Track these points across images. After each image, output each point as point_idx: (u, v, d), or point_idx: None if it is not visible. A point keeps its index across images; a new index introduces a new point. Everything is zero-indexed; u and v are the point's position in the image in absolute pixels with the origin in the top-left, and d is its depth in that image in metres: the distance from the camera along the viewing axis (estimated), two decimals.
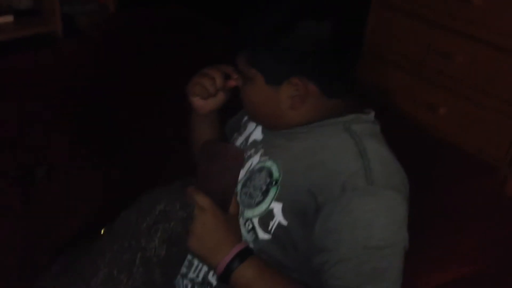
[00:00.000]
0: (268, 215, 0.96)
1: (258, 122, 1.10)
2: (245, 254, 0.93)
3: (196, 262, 1.04)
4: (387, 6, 2.19)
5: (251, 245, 0.97)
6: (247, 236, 0.99)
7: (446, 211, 1.27)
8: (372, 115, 1.04)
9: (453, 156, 1.58)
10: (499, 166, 1.92)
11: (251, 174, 1.02)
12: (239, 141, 1.15)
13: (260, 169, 1.01)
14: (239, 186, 1.03)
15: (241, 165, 1.01)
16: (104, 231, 1.15)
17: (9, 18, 2.30)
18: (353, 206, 0.88)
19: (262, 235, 0.97)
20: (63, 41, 2.38)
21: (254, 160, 1.05)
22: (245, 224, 1.00)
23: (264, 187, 0.98)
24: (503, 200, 1.47)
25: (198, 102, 1.13)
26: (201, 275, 1.04)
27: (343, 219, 0.88)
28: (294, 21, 0.94)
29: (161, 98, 1.97)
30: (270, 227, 0.96)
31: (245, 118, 1.20)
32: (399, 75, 2.21)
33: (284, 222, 0.95)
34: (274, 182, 0.97)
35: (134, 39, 2.30)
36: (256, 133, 1.11)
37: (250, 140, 1.11)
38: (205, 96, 1.11)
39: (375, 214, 0.88)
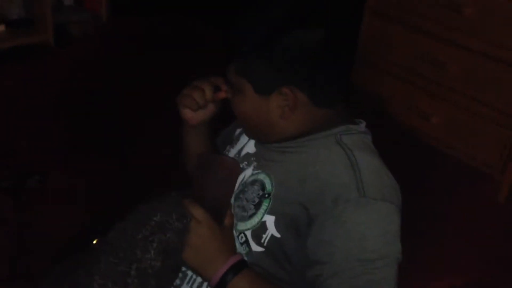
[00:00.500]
0: (261, 228, 0.96)
1: (250, 135, 1.10)
2: (239, 266, 0.92)
3: (190, 273, 1.04)
4: (380, 15, 2.21)
5: (245, 258, 0.97)
6: (240, 249, 0.99)
7: (440, 219, 1.28)
8: (363, 125, 1.05)
9: (447, 164, 1.59)
10: (492, 174, 1.93)
11: (244, 187, 1.02)
12: (232, 154, 1.15)
13: (253, 182, 1.01)
14: (232, 199, 1.02)
15: (237, 177, 1.02)
16: (97, 241, 1.15)
17: (0, 28, 2.29)
18: (345, 219, 0.88)
19: (255, 247, 0.97)
20: (56, 50, 2.38)
21: (247, 173, 1.05)
22: (238, 236, 1.00)
23: (256, 200, 0.98)
24: (496, 208, 1.48)
25: (188, 113, 1.13)
26: (195, 287, 1.04)
27: (336, 232, 0.88)
28: (283, 31, 0.94)
29: (157, 106, 1.98)
30: (263, 240, 0.96)
31: (238, 130, 1.20)
32: (392, 84, 2.22)
33: (277, 235, 0.95)
34: (266, 195, 0.98)
35: (128, 45, 2.31)
36: (249, 146, 1.11)
37: (243, 152, 1.11)
38: (194, 108, 1.11)
39: (368, 226, 0.88)
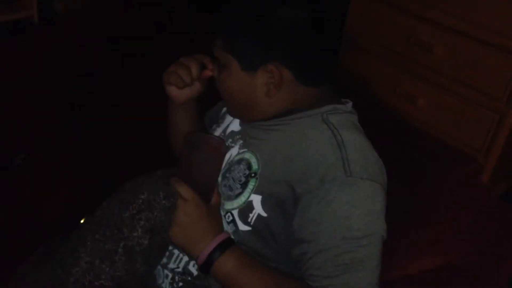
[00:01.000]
0: (248, 207, 0.97)
1: (234, 113, 1.09)
2: (226, 244, 0.93)
3: (176, 252, 1.05)
4: None
5: (232, 237, 0.98)
6: (227, 228, 1.00)
7: (423, 200, 1.29)
8: (349, 105, 1.05)
9: (431, 146, 1.61)
10: (476, 157, 1.95)
11: (230, 166, 1.03)
12: (218, 132, 1.15)
13: (239, 161, 1.02)
14: (219, 178, 1.03)
15: (223, 156, 1.02)
16: (84, 220, 1.14)
17: None
18: (331, 197, 0.89)
19: (242, 227, 0.98)
20: (40, 27, 2.34)
21: (233, 152, 1.05)
22: (225, 216, 1.00)
23: (243, 179, 0.99)
24: (478, 190, 1.50)
25: (174, 91, 1.13)
26: (181, 265, 1.05)
27: (322, 210, 0.89)
28: (270, 7, 0.94)
29: (141, 85, 1.96)
30: (249, 219, 0.97)
31: (224, 109, 1.20)
32: (379, 66, 2.22)
33: (264, 214, 0.96)
34: (253, 174, 0.98)
35: (113, 23, 2.28)
36: (234, 124, 1.12)
37: (228, 131, 1.12)
38: (180, 86, 1.10)
39: (353, 205, 0.89)
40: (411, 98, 2.13)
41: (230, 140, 1.08)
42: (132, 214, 0.93)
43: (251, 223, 0.97)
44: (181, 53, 1.13)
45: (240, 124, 1.10)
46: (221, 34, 0.99)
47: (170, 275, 1.05)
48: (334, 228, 0.88)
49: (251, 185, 0.97)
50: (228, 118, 1.15)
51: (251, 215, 0.97)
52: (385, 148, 1.03)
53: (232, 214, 0.99)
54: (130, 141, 1.68)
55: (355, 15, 2.23)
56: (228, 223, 1.00)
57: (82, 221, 1.17)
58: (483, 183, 1.81)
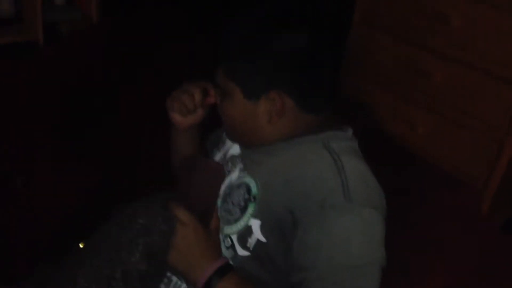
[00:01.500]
0: (247, 232, 0.97)
1: (235, 139, 1.10)
2: (225, 270, 0.93)
3: (175, 278, 1.04)
4: (369, 23, 2.22)
5: (230, 262, 0.97)
6: (226, 253, 0.99)
7: (421, 228, 1.29)
8: (350, 132, 1.06)
9: (430, 174, 1.60)
10: (476, 185, 1.95)
11: (230, 190, 1.03)
12: (218, 156, 1.16)
13: (239, 185, 1.02)
14: (219, 202, 1.03)
15: (222, 180, 1.02)
16: (83, 245, 1.14)
17: None
18: (331, 224, 0.89)
19: (241, 251, 0.98)
20: (45, 49, 2.37)
21: (234, 176, 1.05)
22: (224, 240, 1.00)
23: (242, 204, 0.99)
24: (477, 219, 1.50)
25: (177, 117, 1.14)
26: None
27: (321, 237, 0.89)
28: (271, 33, 0.95)
29: (143, 106, 1.97)
30: (248, 244, 0.97)
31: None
32: (379, 93, 2.24)
33: (263, 239, 0.95)
34: (252, 198, 0.98)
35: (118, 45, 2.30)
36: (234, 148, 1.12)
37: (229, 154, 1.12)
38: (184, 112, 1.11)
39: (353, 232, 0.89)
40: (411, 125, 2.14)
41: (231, 164, 1.08)
42: (130, 239, 0.93)
43: (250, 248, 0.96)
44: (181, 73, 1.14)
45: (240, 148, 1.10)
46: (223, 62, 0.99)
47: None
48: (333, 255, 0.88)
49: (251, 209, 0.97)
50: (229, 142, 1.15)
51: (250, 240, 0.96)
52: (384, 176, 1.03)
53: (231, 239, 0.99)
54: (132, 165, 1.68)
55: (356, 42, 2.26)
56: (227, 248, 0.99)
57: (81, 246, 1.16)
58: (482, 212, 1.80)
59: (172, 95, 1.12)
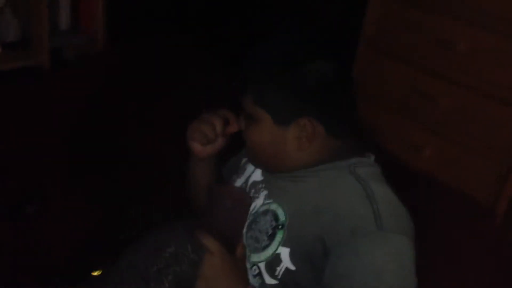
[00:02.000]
0: (275, 260, 0.96)
1: (259, 165, 1.09)
2: None
3: None
4: (374, 48, 2.25)
5: None
6: (253, 281, 0.99)
7: (448, 254, 1.29)
8: (372, 158, 1.07)
9: (438, 198, 1.61)
10: (483, 208, 1.96)
11: (256, 217, 1.02)
12: (239, 183, 1.15)
13: (265, 212, 1.01)
14: (244, 229, 1.03)
15: (248, 208, 1.02)
16: (98, 273, 1.13)
17: None
18: (363, 251, 0.89)
19: (269, 280, 0.97)
20: (51, 74, 2.37)
21: (258, 203, 1.05)
22: (251, 268, 1.00)
23: (270, 231, 0.98)
24: (487, 241, 1.50)
25: (197, 147, 1.13)
26: None
27: (353, 264, 0.89)
28: (301, 60, 0.96)
29: (154, 131, 1.98)
30: (277, 272, 0.96)
31: (244, 160, 1.20)
32: (385, 117, 2.25)
33: (292, 267, 0.95)
34: (280, 226, 0.98)
35: (125, 70, 2.32)
36: (255, 174, 1.12)
37: (250, 181, 1.12)
38: (204, 143, 1.11)
39: (386, 260, 0.89)
40: (418, 149, 2.15)
41: (253, 190, 1.08)
42: (159, 268, 0.92)
43: (279, 277, 0.96)
44: (196, 102, 1.14)
45: (263, 174, 1.10)
46: (252, 89, 1.00)
47: None
48: (366, 283, 0.88)
49: (279, 237, 0.97)
50: (249, 168, 1.15)
51: (278, 268, 0.96)
52: (403, 200, 1.03)
53: (258, 267, 0.98)
54: (144, 188, 1.68)
55: (362, 66, 2.28)
56: (254, 276, 0.99)
57: (97, 274, 1.15)
58: (491, 235, 1.80)
59: (193, 125, 1.11)
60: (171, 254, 0.93)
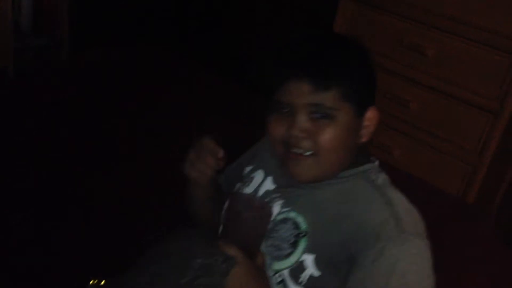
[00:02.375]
0: (299, 267, 0.98)
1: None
2: None
3: None
4: None
5: None
6: None
7: (445, 256, 1.34)
8: (377, 163, 1.11)
9: (439, 199, 1.67)
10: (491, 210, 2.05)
11: (274, 226, 1.04)
12: (247, 192, 1.16)
13: (284, 220, 1.03)
14: None
15: (269, 218, 1.03)
16: (104, 283, 1.10)
17: None
18: (387, 255, 0.92)
19: (293, 287, 0.99)
20: (14, 77, 2.28)
21: (275, 211, 1.06)
22: (273, 276, 1.01)
23: (292, 239, 1.00)
24: (497, 246, 1.55)
25: (194, 176, 1.10)
26: None
27: (379, 268, 0.92)
28: (365, 56, 1.04)
29: (124, 142, 1.93)
30: (301, 279, 0.98)
31: (248, 168, 1.20)
32: None
33: (317, 274, 0.97)
34: (302, 234, 1.00)
35: (91, 77, 2.26)
36: (267, 183, 1.13)
37: (261, 191, 1.12)
38: (203, 180, 1.10)
39: (409, 262, 0.93)
40: (387, 149, 2.23)
41: (267, 199, 1.10)
42: (190, 280, 0.92)
43: (303, 283, 0.98)
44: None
45: (275, 183, 1.11)
46: (335, 84, 0.98)
47: None
48: (392, 285, 0.91)
49: (302, 244, 0.99)
50: (258, 177, 1.15)
51: (302, 275, 0.98)
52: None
53: (282, 275, 1.00)
54: (128, 201, 1.64)
55: None
56: (277, 283, 1.00)
57: (102, 283, 1.12)
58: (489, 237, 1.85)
59: (188, 160, 1.08)
60: (201, 265, 0.92)
